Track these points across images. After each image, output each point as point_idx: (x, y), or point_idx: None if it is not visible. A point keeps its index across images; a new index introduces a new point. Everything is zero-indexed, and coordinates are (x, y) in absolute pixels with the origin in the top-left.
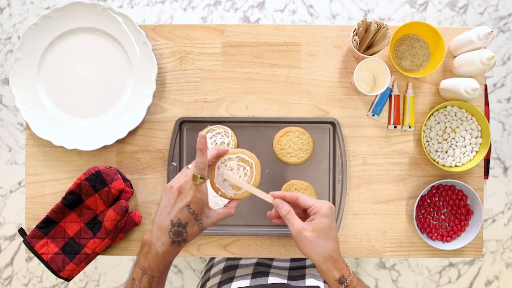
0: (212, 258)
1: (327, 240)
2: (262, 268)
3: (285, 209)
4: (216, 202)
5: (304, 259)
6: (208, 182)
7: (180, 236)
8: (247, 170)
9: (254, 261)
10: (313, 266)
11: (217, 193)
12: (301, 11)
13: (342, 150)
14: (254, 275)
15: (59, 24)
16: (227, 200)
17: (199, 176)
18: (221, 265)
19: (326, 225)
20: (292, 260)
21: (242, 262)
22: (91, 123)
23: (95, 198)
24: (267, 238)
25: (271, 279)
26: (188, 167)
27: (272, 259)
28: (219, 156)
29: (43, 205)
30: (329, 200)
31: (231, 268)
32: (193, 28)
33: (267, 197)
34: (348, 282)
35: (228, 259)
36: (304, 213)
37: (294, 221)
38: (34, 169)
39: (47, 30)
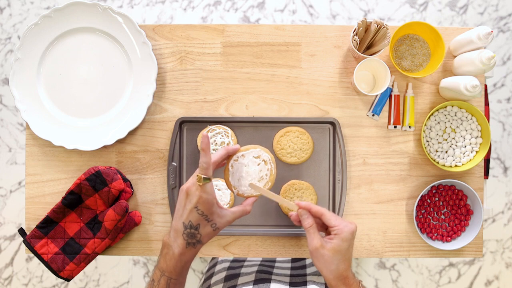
0: (212, 267)
1: (341, 261)
2: (263, 275)
3: (308, 222)
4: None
5: (304, 264)
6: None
7: (193, 237)
8: (262, 165)
9: (255, 269)
10: (314, 274)
11: (233, 192)
12: (301, 11)
13: (342, 150)
14: (256, 282)
15: (59, 24)
16: (228, 199)
17: (202, 176)
18: (222, 274)
19: (344, 248)
20: (293, 268)
21: (243, 270)
22: (91, 123)
23: (95, 198)
24: (267, 238)
25: (273, 286)
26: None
27: (273, 267)
28: (230, 155)
29: (43, 205)
30: (329, 200)
31: (232, 277)
32: (193, 28)
33: (292, 205)
34: None
35: (229, 268)
36: (324, 229)
37: (314, 236)
38: (34, 169)
39: (47, 30)
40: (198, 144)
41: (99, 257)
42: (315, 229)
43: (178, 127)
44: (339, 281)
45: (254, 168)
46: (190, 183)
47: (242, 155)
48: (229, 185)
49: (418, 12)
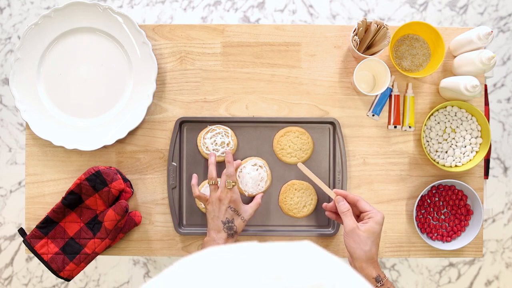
0: None
1: (374, 243)
2: None
3: (345, 206)
4: None
5: None
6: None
7: (231, 229)
8: (260, 170)
9: None
10: None
11: (245, 195)
12: (301, 11)
13: (342, 150)
14: None
15: (59, 24)
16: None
17: (231, 181)
18: None
19: (377, 230)
20: None
21: None
22: (91, 123)
23: (95, 198)
24: (267, 238)
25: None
26: (213, 184)
27: None
28: (236, 168)
29: (43, 205)
30: (328, 200)
31: None
32: (193, 28)
33: (330, 192)
34: (384, 281)
35: None
36: (356, 216)
37: (351, 218)
38: (34, 169)
39: (47, 30)
40: (198, 144)
41: (99, 257)
42: (351, 213)
43: (178, 127)
44: (370, 263)
45: (254, 173)
46: (219, 192)
47: (244, 166)
48: (240, 190)
49: (418, 12)
